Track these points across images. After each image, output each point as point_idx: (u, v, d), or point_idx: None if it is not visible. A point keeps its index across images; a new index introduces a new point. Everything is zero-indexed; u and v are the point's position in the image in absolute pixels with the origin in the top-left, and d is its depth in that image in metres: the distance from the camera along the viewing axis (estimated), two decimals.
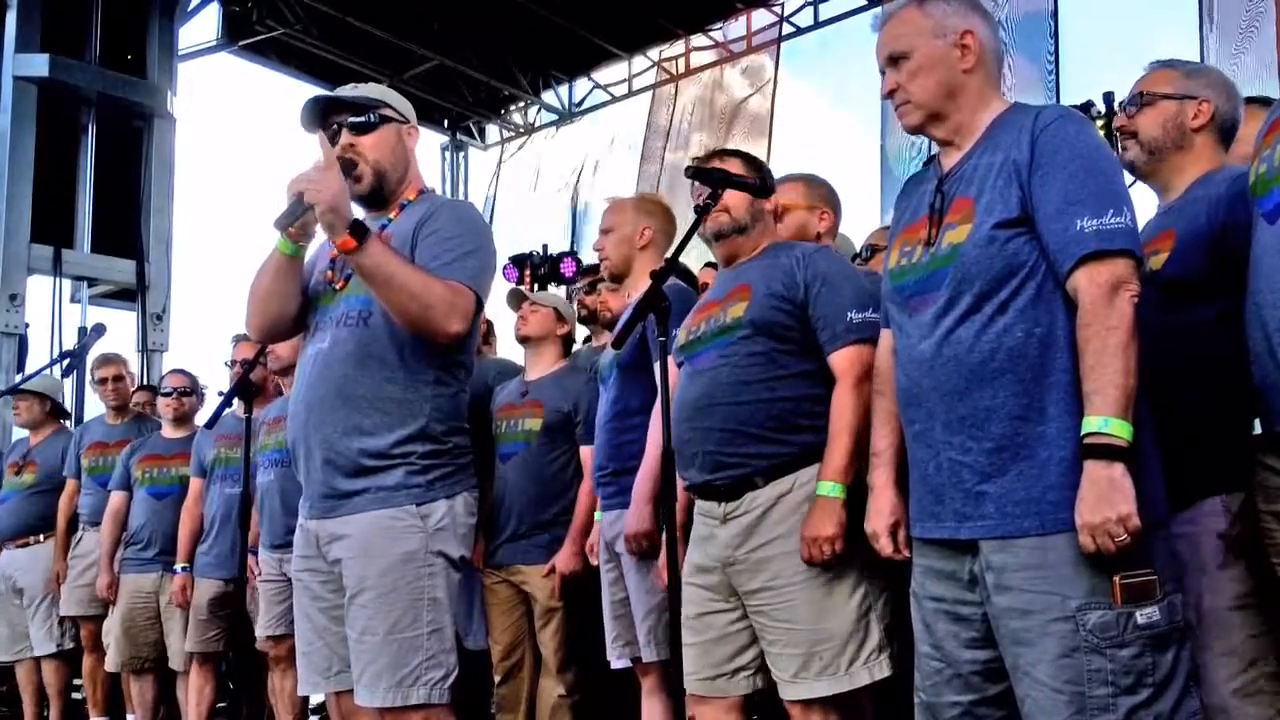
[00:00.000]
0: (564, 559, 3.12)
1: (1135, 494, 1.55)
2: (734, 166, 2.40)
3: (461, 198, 10.93)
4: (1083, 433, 1.59)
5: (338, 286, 2.22)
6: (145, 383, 6.55)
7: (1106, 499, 1.55)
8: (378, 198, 2.25)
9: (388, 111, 2.25)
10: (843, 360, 2.19)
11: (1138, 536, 1.55)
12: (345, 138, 2.21)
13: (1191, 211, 1.92)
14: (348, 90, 2.29)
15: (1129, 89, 2.11)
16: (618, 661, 2.86)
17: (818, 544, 2.11)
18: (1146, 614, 1.60)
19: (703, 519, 2.31)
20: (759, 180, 2.30)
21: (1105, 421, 1.57)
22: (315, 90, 2.37)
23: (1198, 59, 6.49)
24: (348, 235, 1.99)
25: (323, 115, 2.24)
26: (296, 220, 2.11)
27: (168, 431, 4.45)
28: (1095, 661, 1.59)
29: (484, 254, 2.19)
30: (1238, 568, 1.79)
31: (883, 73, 1.88)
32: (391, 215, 2.24)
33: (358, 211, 2.16)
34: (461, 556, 2.15)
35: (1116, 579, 1.59)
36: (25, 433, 5.05)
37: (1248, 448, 1.76)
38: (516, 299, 3.56)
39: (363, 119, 2.21)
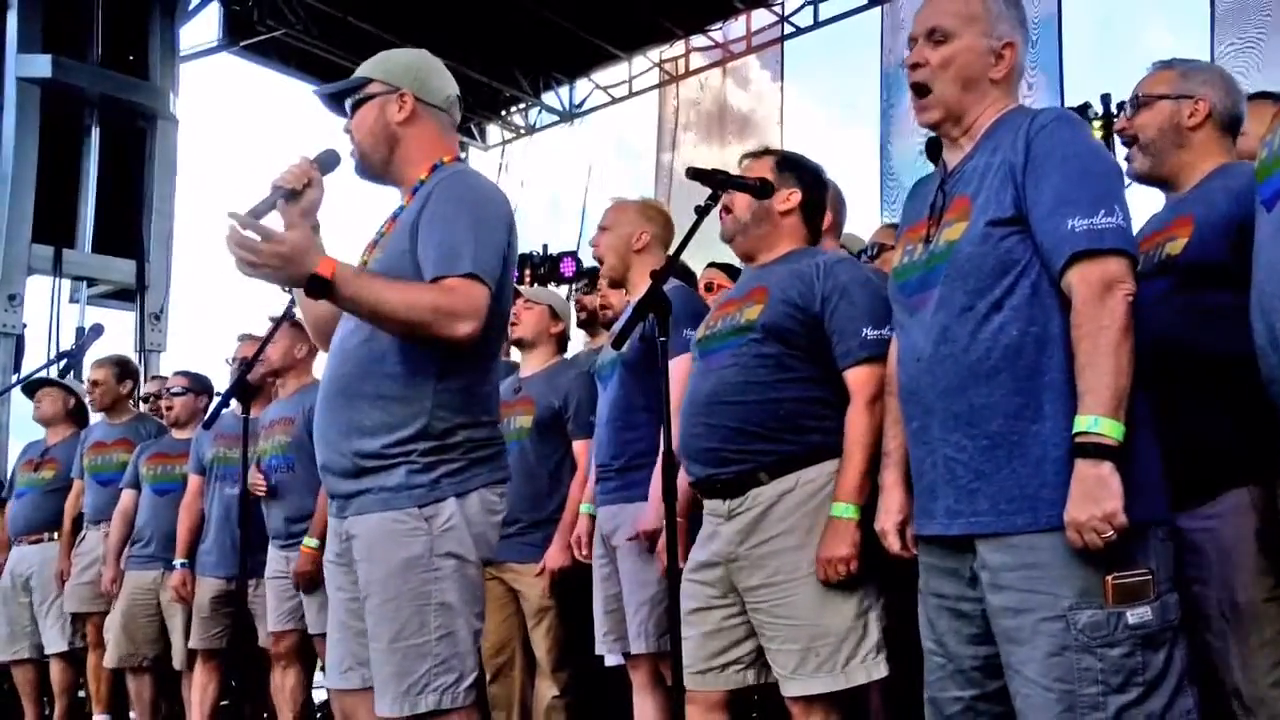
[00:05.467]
0: (553, 555, 3.11)
1: (1127, 492, 1.56)
2: (764, 166, 2.40)
3: None
4: (1073, 431, 1.60)
5: None
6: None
7: (1093, 497, 1.56)
8: (376, 175, 2.19)
9: (371, 88, 2.16)
10: (856, 378, 2.19)
11: (1128, 534, 1.56)
12: (349, 122, 2.18)
13: (1211, 199, 1.92)
14: (361, 71, 2.23)
15: (1130, 91, 2.12)
16: (610, 657, 2.86)
17: (833, 565, 2.12)
18: (1138, 614, 1.61)
19: (708, 517, 2.32)
20: (760, 182, 2.31)
21: (1096, 420, 1.58)
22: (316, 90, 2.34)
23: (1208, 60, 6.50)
24: (308, 291, 1.86)
25: (339, 104, 2.22)
26: (261, 216, 1.99)
27: (177, 432, 4.46)
28: (1085, 660, 1.60)
29: (484, 230, 1.99)
30: (1267, 561, 1.79)
31: (912, 41, 1.87)
32: (405, 201, 2.14)
33: (368, 189, 2.15)
34: (480, 555, 2.03)
35: (1108, 579, 1.60)
36: (20, 438, 5.05)
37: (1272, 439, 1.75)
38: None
39: (350, 102, 2.17)
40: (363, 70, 2.21)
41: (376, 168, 2.18)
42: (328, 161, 2.16)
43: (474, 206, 2.02)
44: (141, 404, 5.14)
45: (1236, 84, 2.07)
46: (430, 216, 2.00)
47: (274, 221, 2.04)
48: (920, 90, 1.85)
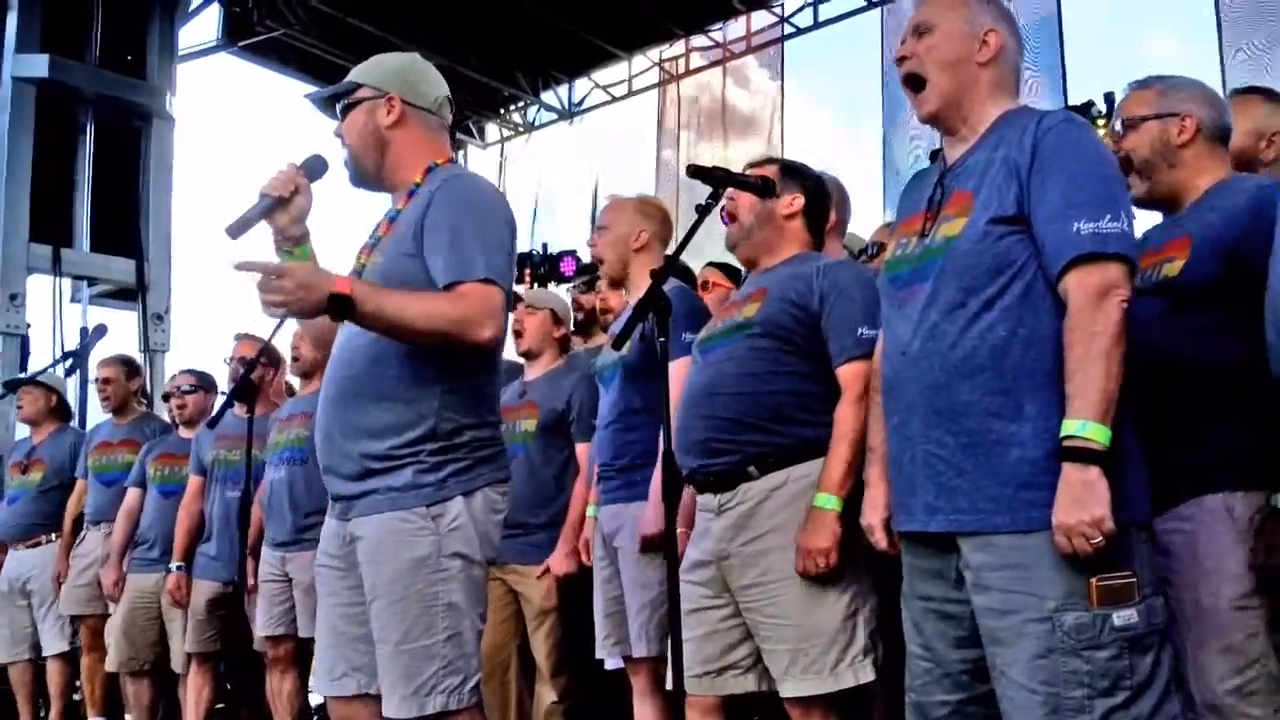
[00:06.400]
0: (557, 560, 3.10)
1: (1113, 496, 1.56)
2: (767, 172, 2.40)
3: None
4: (1061, 435, 1.60)
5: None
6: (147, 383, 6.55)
7: (1081, 502, 1.56)
8: (369, 180, 2.20)
9: (361, 92, 2.17)
10: (849, 374, 2.21)
11: (1114, 538, 1.56)
12: (339, 126, 2.19)
13: (1208, 219, 1.92)
14: (351, 77, 2.24)
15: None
16: (610, 661, 2.84)
17: (812, 556, 2.13)
18: (1124, 616, 1.60)
19: (701, 513, 2.33)
20: (761, 181, 2.30)
21: (1083, 425, 1.58)
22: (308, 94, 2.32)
23: (1217, 65, 6.49)
24: (331, 314, 1.88)
25: (330, 108, 2.22)
26: (250, 226, 2.03)
27: (184, 431, 4.45)
28: (1071, 663, 1.60)
29: (492, 233, 2.03)
30: (1241, 567, 1.79)
31: (902, 44, 1.92)
32: (400, 205, 2.14)
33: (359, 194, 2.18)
34: (484, 555, 2.04)
35: (1093, 581, 1.60)
36: (25, 433, 5.04)
37: (1259, 448, 1.77)
38: (512, 301, 3.54)
39: (341, 106, 2.18)
40: (353, 75, 2.22)
41: (369, 173, 2.18)
42: (315, 167, 2.15)
43: (480, 210, 2.04)
44: (163, 403, 5.14)
45: (1218, 95, 2.06)
46: (436, 221, 2.00)
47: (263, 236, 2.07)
48: (914, 82, 1.88)
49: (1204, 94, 2.03)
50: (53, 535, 4.69)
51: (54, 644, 4.59)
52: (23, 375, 5.22)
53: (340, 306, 1.85)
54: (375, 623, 1.99)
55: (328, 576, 2.14)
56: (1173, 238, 1.96)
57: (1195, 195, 1.98)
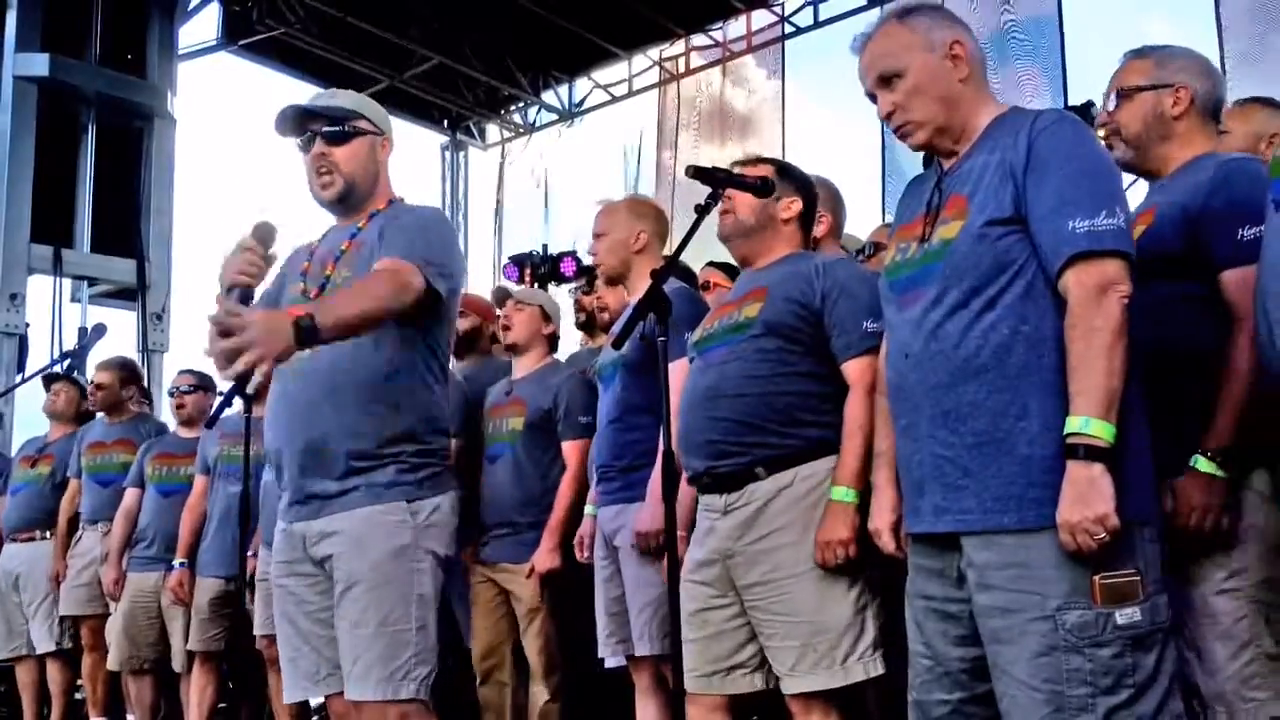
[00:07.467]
0: (541, 557, 3.11)
1: (1117, 493, 1.56)
2: (763, 171, 2.40)
3: (461, 197, 10.99)
4: (1065, 432, 1.60)
5: (310, 295, 2.22)
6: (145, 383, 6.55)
7: (1085, 499, 1.56)
8: (346, 205, 2.29)
9: (362, 124, 2.27)
10: (856, 369, 2.21)
11: (1118, 535, 1.56)
12: (319, 146, 2.23)
13: (1174, 194, 1.94)
14: (324, 98, 2.31)
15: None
16: (612, 659, 2.84)
17: (831, 548, 2.13)
18: (1127, 614, 1.60)
19: (705, 513, 2.33)
20: (760, 181, 2.30)
21: (1086, 421, 1.58)
22: (315, 90, 2.38)
23: (1217, 62, 6.49)
24: (299, 343, 1.87)
25: (299, 121, 2.26)
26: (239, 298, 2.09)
27: (182, 431, 4.45)
28: (1074, 661, 1.59)
29: (435, 236, 2.20)
30: (1220, 554, 1.81)
31: (871, 96, 1.89)
32: (361, 224, 2.26)
33: (324, 216, 2.30)
34: (448, 556, 2.17)
35: (1096, 579, 1.59)
36: (24, 437, 5.05)
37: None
38: (501, 296, 3.53)
39: (337, 129, 2.24)
40: (345, 104, 2.30)
41: (355, 198, 2.28)
42: (268, 235, 2.13)
43: (434, 226, 2.25)
44: (168, 398, 5.15)
45: (1214, 66, 2.06)
46: (394, 228, 2.18)
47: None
48: (898, 123, 1.86)
49: (1200, 65, 2.03)
50: (47, 532, 4.69)
51: (43, 642, 4.59)
52: (56, 370, 5.26)
53: (309, 329, 1.85)
54: (352, 607, 2.06)
55: (293, 584, 2.20)
56: (1145, 208, 1.98)
57: (1176, 168, 2.00)
